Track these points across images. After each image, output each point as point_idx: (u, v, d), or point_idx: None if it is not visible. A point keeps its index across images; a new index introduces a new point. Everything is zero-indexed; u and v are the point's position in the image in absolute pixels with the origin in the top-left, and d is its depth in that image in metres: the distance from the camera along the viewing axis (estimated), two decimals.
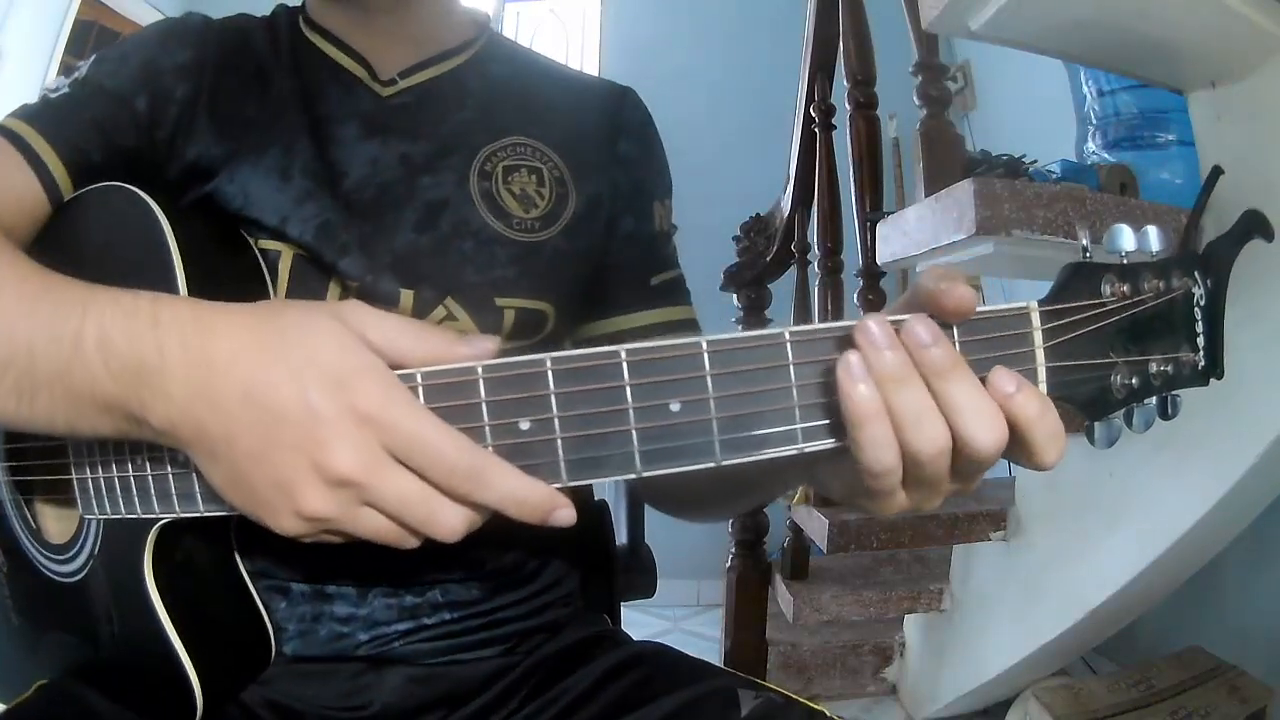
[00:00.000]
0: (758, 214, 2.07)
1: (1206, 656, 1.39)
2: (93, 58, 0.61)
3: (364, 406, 0.35)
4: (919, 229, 1.14)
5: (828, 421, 0.36)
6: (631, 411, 0.36)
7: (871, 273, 1.57)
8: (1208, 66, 1.04)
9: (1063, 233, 1.01)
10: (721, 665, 0.64)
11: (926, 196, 1.17)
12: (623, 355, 0.36)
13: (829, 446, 0.37)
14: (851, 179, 1.65)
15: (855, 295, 1.61)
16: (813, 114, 1.85)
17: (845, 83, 1.66)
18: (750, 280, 1.97)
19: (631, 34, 2.94)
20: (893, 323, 0.35)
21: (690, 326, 0.68)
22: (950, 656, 1.67)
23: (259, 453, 0.36)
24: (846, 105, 1.66)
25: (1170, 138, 1.34)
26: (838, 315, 1.74)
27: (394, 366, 0.37)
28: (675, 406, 0.36)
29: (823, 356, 0.36)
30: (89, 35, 2.40)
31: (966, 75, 2.65)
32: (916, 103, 1.34)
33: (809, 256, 1.93)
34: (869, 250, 1.48)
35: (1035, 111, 2.07)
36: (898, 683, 1.86)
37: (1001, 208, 0.99)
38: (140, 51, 0.60)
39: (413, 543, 0.38)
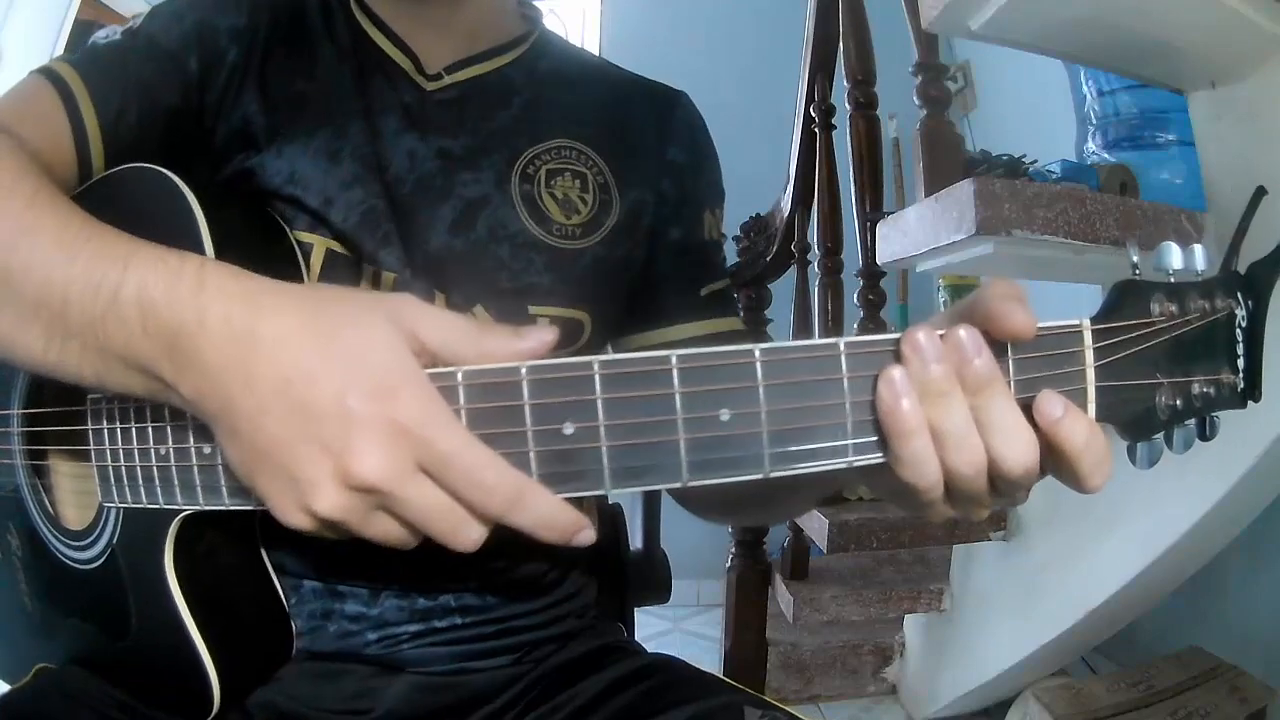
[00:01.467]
0: (758, 214, 2.07)
1: (1206, 656, 1.39)
2: (147, 10, 0.60)
3: (404, 419, 0.34)
4: (919, 229, 1.14)
5: (879, 437, 0.36)
6: (680, 420, 0.35)
7: (871, 273, 1.57)
8: (1208, 66, 1.04)
9: (1063, 233, 1.01)
10: (721, 666, 0.64)
11: (926, 196, 1.17)
12: (673, 361, 0.35)
13: (878, 460, 0.36)
14: (851, 179, 1.65)
15: (855, 295, 1.61)
16: (813, 114, 1.85)
17: (845, 83, 1.66)
18: (750, 280, 1.97)
19: (631, 33, 2.94)
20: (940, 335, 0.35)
21: (740, 338, 0.67)
22: (950, 656, 1.67)
23: (284, 442, 0.35)
24: (846, 105, 1.66)
25: (1170, 138, 1.33)
26: (838, 315, 1.74)
27: (449, 365, 0.37)
28: (725, 416, 0.35)
29: (877, 370, 0.35)
30: (89, 35, 2.40)
31: (966, 75, 2.65)
32: (916, 103, 1.34)
33: (809, 256, 1.93)
34: (869, 250, 1.48)
35: (1035, 111, 2.06)
36: (898, 683, 1.86)
37: (1001, 208, 0.99)
38: (195, 10, 0.59)
39: (413, 543, 0.38)
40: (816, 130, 1.83)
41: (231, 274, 0.38)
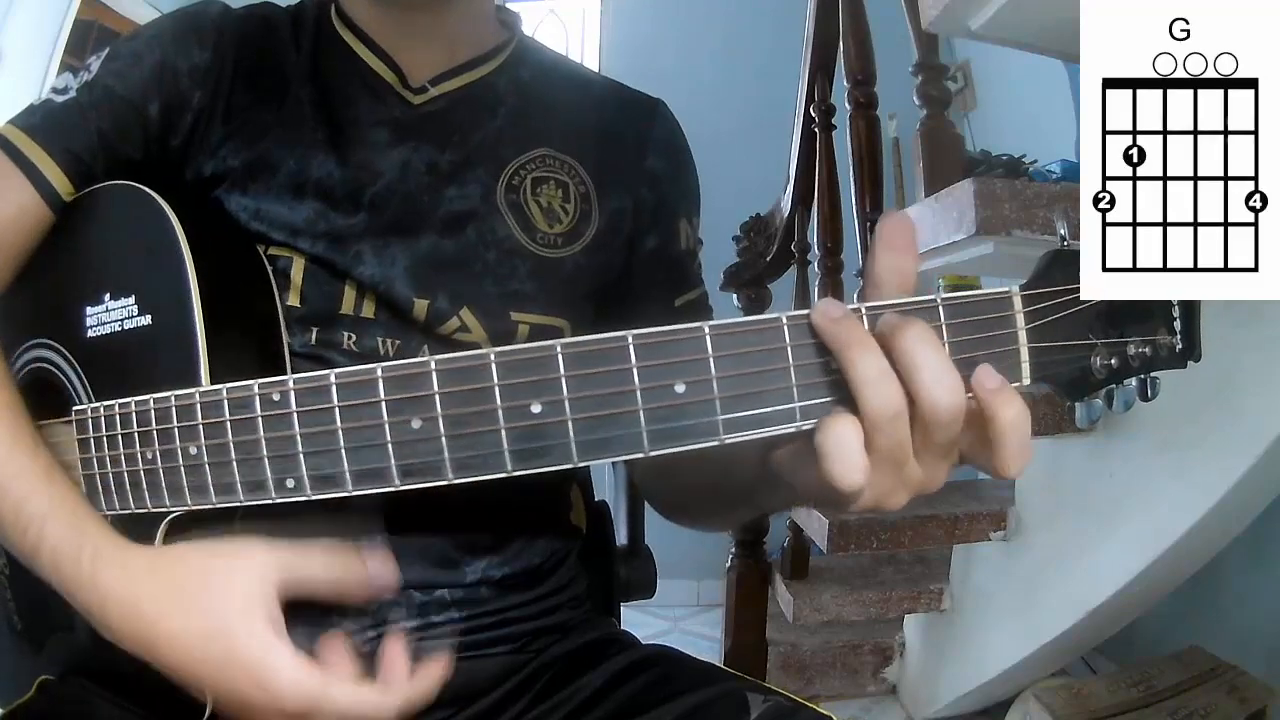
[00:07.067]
0: (758, 214, 2.07)
1: (1206, 656, 1.39)
2: (104, 53, 0.58)
3: (291, 706, 0.43)
4: (919, 229, 1.14)
5: (826, 399, 0.38)
6: (639, 393, 0.37)
7: None
8: None
9: None
10: (722, 665, 0.65)
11: (926, 196, 1.17)
12: (630, 340, 0.37)
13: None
14: (851, 179, 1.65)
15: (855, 295, 1.61)
16: (813, 114, 1.85)
17: (845, 83, 1.65)
18: (750, 280, 1.97)
19: (631, 34, 2.94)
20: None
21: None
22: (950, 656, 1.67)
23: (214, 697, 0.45)
24: (846, 105, 1.65)
25: None
26: None
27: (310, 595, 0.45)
28: (680, 388, 0.37)
29: (817, 339, 0.38)
30: (89, 35, 2.40)
31: (966, 75, 2.65)
32: (916, 103, 1.34)
33: (809, 256, 1.93)
34: (869, 250, 1.48)
35: (1035, 111, 2.07)
36: (898, 683, 1.86)
37: (1001, 208, 0.99)
38: (154, 50, 0.58)
39: None
40: (816, 130, 1.83)
41: (116, 566, 0.45)
